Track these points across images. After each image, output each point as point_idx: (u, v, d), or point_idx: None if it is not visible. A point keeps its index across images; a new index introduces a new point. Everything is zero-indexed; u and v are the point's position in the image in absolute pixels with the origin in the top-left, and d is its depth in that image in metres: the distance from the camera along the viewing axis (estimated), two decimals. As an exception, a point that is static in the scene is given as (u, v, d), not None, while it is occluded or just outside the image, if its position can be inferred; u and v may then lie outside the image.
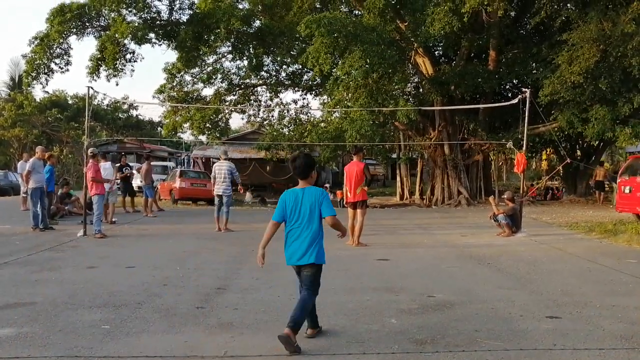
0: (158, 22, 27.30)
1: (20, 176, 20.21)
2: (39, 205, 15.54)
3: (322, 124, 30.15)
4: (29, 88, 34.59)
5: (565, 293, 8.28)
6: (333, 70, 23.56)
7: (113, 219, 18.12)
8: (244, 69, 32.30)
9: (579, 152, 32.45)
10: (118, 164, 22.02)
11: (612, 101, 21.53)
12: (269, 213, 22.78)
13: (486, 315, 7.01)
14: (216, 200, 16.24)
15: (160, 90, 31.95)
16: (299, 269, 6.25)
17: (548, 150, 37.89)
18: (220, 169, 16.04)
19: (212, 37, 27.52)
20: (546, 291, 8.43)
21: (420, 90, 29.88)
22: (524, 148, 16.37)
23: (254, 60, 30.06)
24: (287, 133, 32.01)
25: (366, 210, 13.58)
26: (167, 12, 27.61)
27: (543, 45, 24.54)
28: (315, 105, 51.18)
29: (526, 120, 16.19)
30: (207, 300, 7.77)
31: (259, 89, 34.69)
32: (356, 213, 13.28)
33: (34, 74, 26.22)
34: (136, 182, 24.28)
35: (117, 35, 24.71)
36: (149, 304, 7.55)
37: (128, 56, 26.30)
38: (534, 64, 25.71)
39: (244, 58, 30.48)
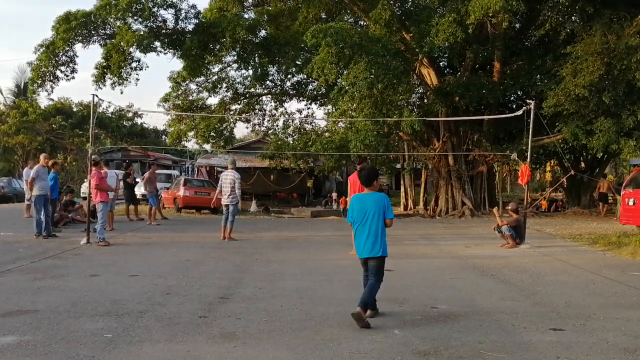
0: (164, 30, 27.33)
1: (25, 183, 20.22)
2: (42, 213, 15.54)
3: (327, 134, 30.16)
4: (34, 95, 34.68)
5: (569, 305, 8.26)
6: (338, 81, 23.58)
7: (112, 227, 18.12)
8: (249, 78, 32.33)
9: (583, 164, 32.41)
10: (124, 171, 22.08)
11: (616, 114, 21.53)
12: (272, 222, 22.87)
13: (490, 327, 6.99)
14: (224, 209, 16.25)
15: (165, 99, 31.99)
16: (366, 260, 7.39)
17: (552, 161, 37.86)
18: (226, 178, 16.05)
19: (218, 47, 27.54)
20: (550, 303, 8.40)
21: (425, 100, 29.90)
22: (528, 159, 16.35)
23: (259, 69, 30.08)
24: (291, 142, 32.02)
25: None
26: (173, 21, 27.63)
27: (547, 58, 24.54)
28: (319, 115, 51.14)
29: (530, 132, 16.18)
30: (210, 310, 7.75)
31: (263, 98, 34.71)
32: None
33: (39, 82, 26.25)
34: (140, 190, 24.30)
35: (122, 44, 24.72)
36: (152, 312, 7.54)
37: (133, 64, 26.29)
38: (538, 76, 25.69)
39: (249, 67, 30.47)
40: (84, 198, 20.97)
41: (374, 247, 7.25)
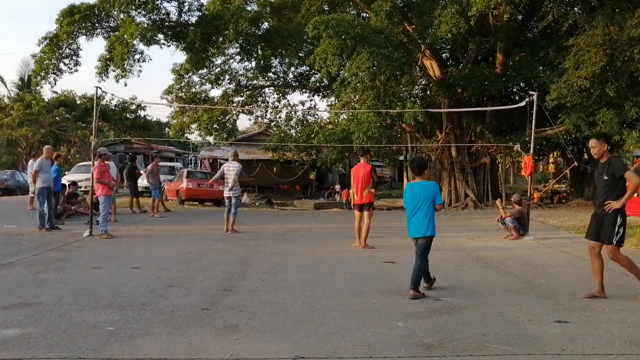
0: (167, 23, 27.31)
1: (29, 175, 20.15)
2: (45, 205, 15.53)
3: (330, 126, 30.13)
4: (37, 88, 34.63)
5: (574, 297, 8.23)
6: (340, 72, 23.53)
7: (115, 219, 18.12)
8: (251, 71, 32.30)
9: (586, 155, 32.31)
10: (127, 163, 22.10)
11: (619, 105, 21.46)
12: (275, 214, 22.85)
13: (494, 319, 6.96)
14: (226, 202, 16.22)
15: (168, 91, 31.96)
16: (416, 240, 8.55)
17: (555, 153, 37.78)
18: (229, 170, 16.00)
19: (221, 39, 27.51)
20: (554, 295, 8.38)
21: (428, 92, 29.84)
22: (531, 151, 16.31)
23: (262, 61, 30.07)
24: (294, 134, 31.99)
25: (373, 213, 13.49)
26: (176, 14, 27.62)
27: (550, 49, 24.47)
28: (322, 106, 51.09)
29: (533, 124, 16.12)
30: (212, 302, 7.74)
31: (266, 90, 34.69)
32: (362, 215, 13.21)
33: (42, 74, 26.26)
34: (143, 182, 24.29)
35: (126, 36, 24.69)
36: (154, 305, 7.53)
37: (136, 57, 26.27)
38: (541, 67, 25.63)
39: (252, 59, 30.47)
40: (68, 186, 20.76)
41: (423, 228, 8.40)
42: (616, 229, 7.88)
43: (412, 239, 8.66)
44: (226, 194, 16.10)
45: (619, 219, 7.91)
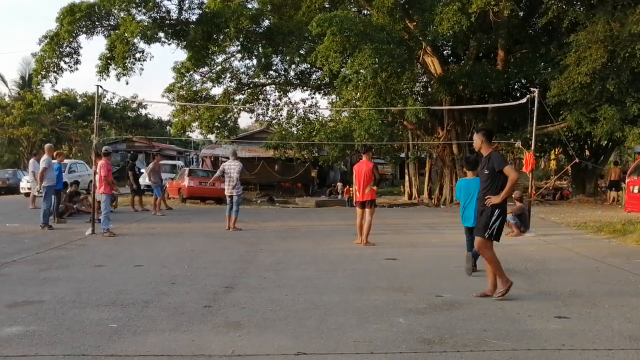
0: (167, 21, 27.33)
1: (31, 174, 20.13)
2: (50, 204, 15.73)
3: (331, 123, 30.15)
4: (38, 86, 34.67)
5: (574, 293, 8.26)
6: (342, 70, 23.54)
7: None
8: (252, 68, 32.27)
9: (587, 152, 32.31)
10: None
11: (621, 101, 21.46)
12: (277, 212, 22.89)
13: (494, 315, 6.99)
14: (228, 200, 16.27)
15: (169, 89, 31.98)
16: (470, 229, 9.48)
17: (556, 149, 37.76)
18: (232, 169, 16.04)
19: (222, 37, 27.53)
20: (554, 291, 8.40)
21: (429, 89, 29.83)
22: (532, 148, 16.32)
23: (263, 59, 30.04)
24: (295, 132, 32.02)
25: (374, 210, 13.51)
26: (177, 12, 27.64)
27: (551, 46, 24.45)
28: (323, 104, 51.12)
29: (534, 120, 16.13)
30: (214, 299, 7.77)
31: (267, 88, 34.67)
32: (364, 212, 13.23)
33: (43, 73, 26.30)
34: (144, 180, 24.32)
35: (126, 35, 24.72)
36: (157, 302, 7.56)
37: (137, 55, 26.29)
38: (542, 64, 25.61)
39: (253, 57, 30.45)
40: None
41: (475, 219, 8.81)
42: (490, 223, 7.78)
43: (466, 228, 9.88)
44: (228, 192, 16.14)
45: (495, 213, 7.77)
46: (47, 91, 52.45)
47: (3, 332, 6.19)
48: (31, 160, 20.86)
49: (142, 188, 23.18)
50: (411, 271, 10.04)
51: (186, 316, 6.88)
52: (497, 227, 7.82)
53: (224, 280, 9.05)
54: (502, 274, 7.92)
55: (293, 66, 32.85)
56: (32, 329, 6.31)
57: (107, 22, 26.91)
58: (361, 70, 22.12)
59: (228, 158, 17.58)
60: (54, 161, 16.69)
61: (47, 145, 17.06)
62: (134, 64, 26.07)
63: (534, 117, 16.06)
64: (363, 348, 5.74)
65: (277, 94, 34.92)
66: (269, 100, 35.30)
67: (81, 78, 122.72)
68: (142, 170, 24.30)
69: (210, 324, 6.60)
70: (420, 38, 25.22)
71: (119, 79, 26.18)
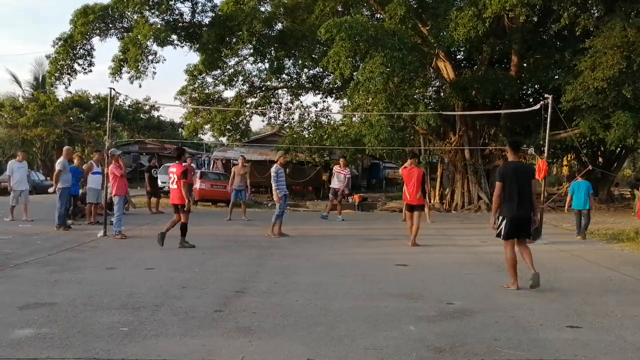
0: (180, 24, 27.40)
1: (8, 178, 19.38)
2: (64, 205, 15.85)
3: (342, 128, 30.13)
4: (52, 88, 34.83)
5: (586, 302, 8.21)
6: (354, 74, 23.52)
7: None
8: (265, 72, 32.29)
9: (600, 159, 32.15)
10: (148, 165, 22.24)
11: (635, 107, 21.33)
12: (288, 216, 22.81)
13: (506, 324, 6.96)
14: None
15: (182, 92, 32.05)
16: (580, 211, 14.90)
17: (569, 156, 37.60)
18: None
19: (234, 40, 27.58)
20: (567, 300, 8.36)
21: (441, 94, 29.77)
22: (545, 154, 16.25)
23: (275, 63, 30.06)
24: (306, 136, 32.04)
25: (422, 214, 14.73)
26: (190, 14, 27.70)
27: (566, 52, 24.31)
28: (335, 108, 51.05)
29: (547, 127, 16.05)
30: (225, 304, 7.77)
31: (279, 91, 34.78)
32: (413, 215, 14.11)
33: (57, 74, 26.45)
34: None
35: (139, 37, 24.79)
36: (168, 306, 7.57)
37: (150, 57, 26.38)
38: (556, 70, 25.48)
39: (265, 61, 30.48)
40: None
41: (586, 205, 15.29)
42: (497, 225, 9.24)
43: (575, 211, 15.85)
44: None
45: (499, 217, 9.21)
46: (61, 92, 52.64)
47: (15, 334, 6.21)
48: (10, 162, 20.01)
49: (158, 190, 23.25)
50: (422, 278, 10.01)
51: (197, 320, 6.88)
52: (502, 228, 9.12)
53: (235, 285, 9.05)
54: (513, 273, 9.12)
55: (305, 70, 32.91)
56: (43, 331, 6.33)
57: (120, 24, 27.03)
58: (373, 77, 22.06)
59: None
60: (71, 165, 16.89)
61: (65, 148, 17.16)
62: (147, 67, 26.15)
63: (547, 124, 15.98)
64: (373, 356, 5.73)
65: (289, 97, 35.07)
66: (280, 103, 35.42)
67: (94, 79, 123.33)
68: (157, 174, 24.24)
69: (220, 329, 6.60)
70: (434, 44, 25.14)
71: (132, 82, 26.28)
